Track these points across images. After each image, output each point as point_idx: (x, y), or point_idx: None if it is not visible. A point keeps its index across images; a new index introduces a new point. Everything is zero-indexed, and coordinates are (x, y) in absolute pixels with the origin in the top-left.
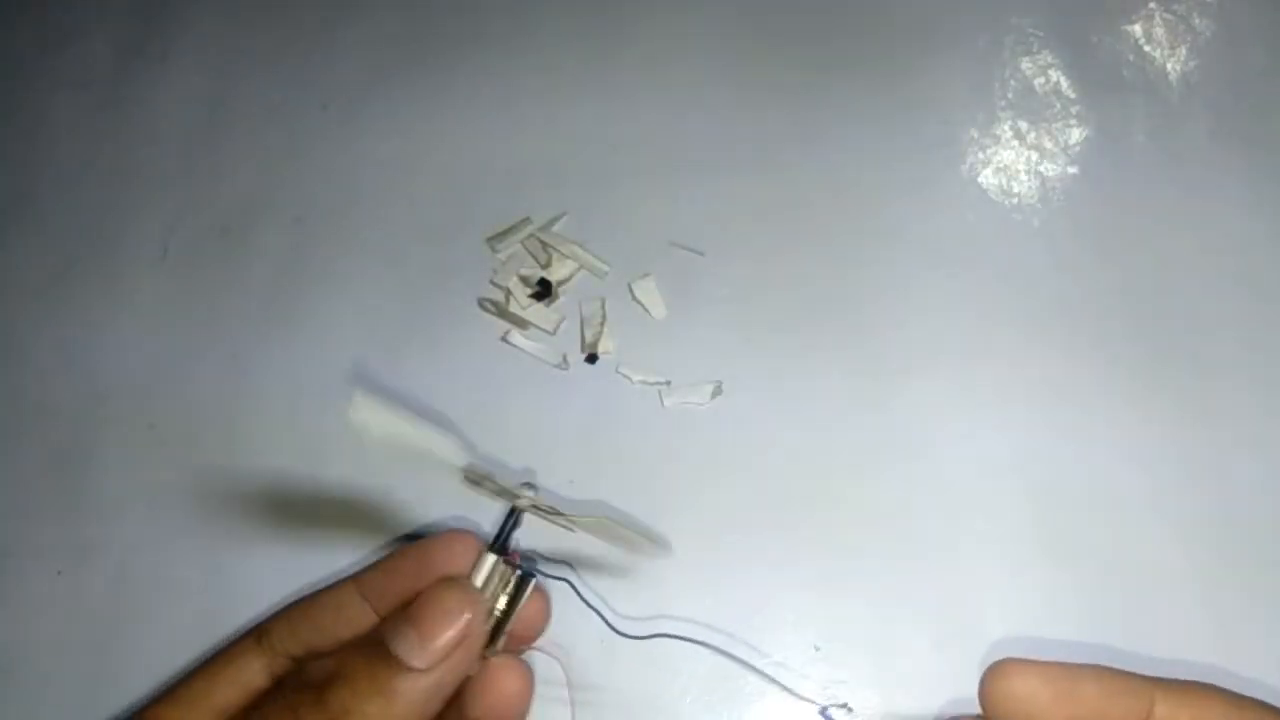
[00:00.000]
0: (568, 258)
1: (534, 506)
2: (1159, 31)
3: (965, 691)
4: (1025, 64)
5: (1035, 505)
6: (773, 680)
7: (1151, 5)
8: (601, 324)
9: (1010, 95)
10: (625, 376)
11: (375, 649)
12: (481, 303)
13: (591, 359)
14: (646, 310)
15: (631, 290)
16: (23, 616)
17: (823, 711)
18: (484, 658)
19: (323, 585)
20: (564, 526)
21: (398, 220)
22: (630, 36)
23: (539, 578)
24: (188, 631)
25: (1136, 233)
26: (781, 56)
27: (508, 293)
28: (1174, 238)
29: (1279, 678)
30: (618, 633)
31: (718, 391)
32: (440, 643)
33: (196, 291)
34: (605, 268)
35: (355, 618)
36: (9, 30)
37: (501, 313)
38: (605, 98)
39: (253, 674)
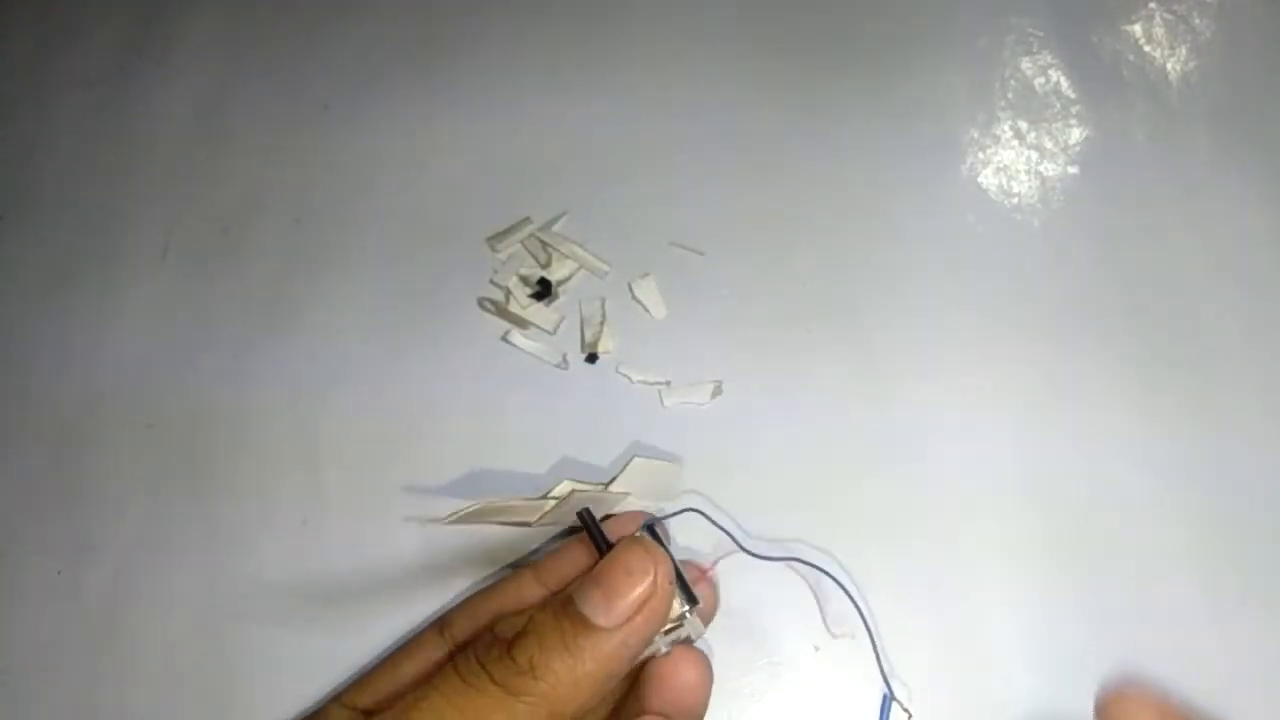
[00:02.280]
0: (568, 258)
1: (587, 509)
2: (1159, 31)
3: (964, 692)
4: (1025, 64)
5: (1036, 504)
6: (871, 635)
7: (1151, 5)
8: (601, 324)
9: (1010, 95)
10: (625, 376)
11: (563, 607)
12: (481, 303)
13: (591, 359)
14: (646, 310)
15: (631, 290)
16: (22, 615)
17: (886, 696)
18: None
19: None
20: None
21: (398, 220)
22: (630, 36)
23: (659, 523)
24: (187, 631)
25: (1136, 233)
26: (781, 56)
27: (508, 292)
28: (1174, 237)
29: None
30: (748, 553)
31: (718, 391)
32: (625, 601)
33: (196, 292)
34: (605, 268)
35: (535, 601)
36: (10, 30)
37: (501, 312)
38: (605, 98)
39: (436, 664)
